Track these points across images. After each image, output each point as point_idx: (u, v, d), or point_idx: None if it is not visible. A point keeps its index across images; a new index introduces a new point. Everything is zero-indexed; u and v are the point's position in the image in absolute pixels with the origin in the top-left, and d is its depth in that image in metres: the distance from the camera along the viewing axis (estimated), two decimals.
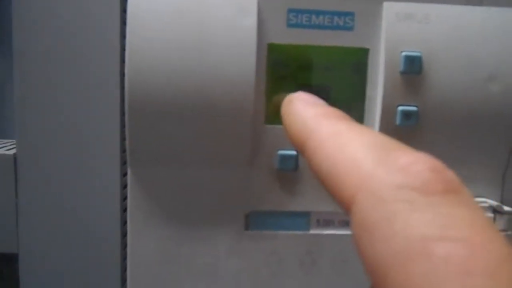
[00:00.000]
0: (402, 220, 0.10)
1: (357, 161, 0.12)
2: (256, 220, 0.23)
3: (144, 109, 0.22)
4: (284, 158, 0.23)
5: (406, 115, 0.22)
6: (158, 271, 0.23)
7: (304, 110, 0.16)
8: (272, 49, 0.22)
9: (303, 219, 0.24)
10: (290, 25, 0.22)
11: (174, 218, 0.23)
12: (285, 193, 0.23)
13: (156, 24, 0.21)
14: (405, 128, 0.22)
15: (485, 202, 0.22)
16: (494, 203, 0.22)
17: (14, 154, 0.38)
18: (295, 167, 0.23)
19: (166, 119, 0.22)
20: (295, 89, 0.23)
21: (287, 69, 0.23)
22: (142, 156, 0.22)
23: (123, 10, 0.37)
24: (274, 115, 0.22)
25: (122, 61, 0.38)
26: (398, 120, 0.22)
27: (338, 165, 0.13)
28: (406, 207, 0.10)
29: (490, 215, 0.22)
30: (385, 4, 0.23)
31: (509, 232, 0.22)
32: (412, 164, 0.11)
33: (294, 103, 0.17)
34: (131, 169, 0.23)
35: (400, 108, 0.22)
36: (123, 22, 0.37)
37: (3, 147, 0.41)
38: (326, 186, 0.14)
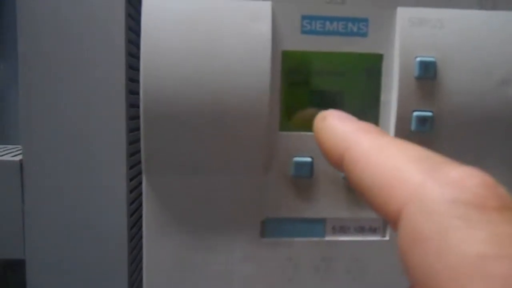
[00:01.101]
0: (458, 235, 0.10)
1: (404, 173, 0.12)
2: (271, 227, 0.23)
3: (159, 117, 0.21)
4: (299, 164, 0.23)
5: (421, 120, 0.22)
6: (174, 279, 0.23)
7: (343, 124, 0.16)
8: (287, 56, 0.22)
9: (318, 225, 0.23)
10: (304, 32, 0.22)
11: (190, 225, 0.23)
12: (301, 200, 0.23)
13: (170, 32, 0.21)
14: (420, 134, 0.22)
15: None
16: None
17: (20, 160, 0.38)
18: (310, 174, 0.23)
19: (181, 127, 0.22)
20: (309, 96, 0.23)
21: (302, 75, 0.23)
22: (157, 163, 0.22)
23: (128, 15, 0.37)
24: (294, 123, 0.22)
25: (128, 65, 0.38)
26: (413, 126, 0.22)
27: (383, 177, 0.13)
28: (461, 223, 0.10)
29: None
30: (398, 9, 0.23)
31: None
32: (464, 178, 0.11)
33: (329, 118, 0.16)
34: (146, 177, 0.23)
35: (415, 113, 0.22)
36: (128, 27, 0.37)
37: (9, 153, 0.41)
38: (368, 198, 0.13)
